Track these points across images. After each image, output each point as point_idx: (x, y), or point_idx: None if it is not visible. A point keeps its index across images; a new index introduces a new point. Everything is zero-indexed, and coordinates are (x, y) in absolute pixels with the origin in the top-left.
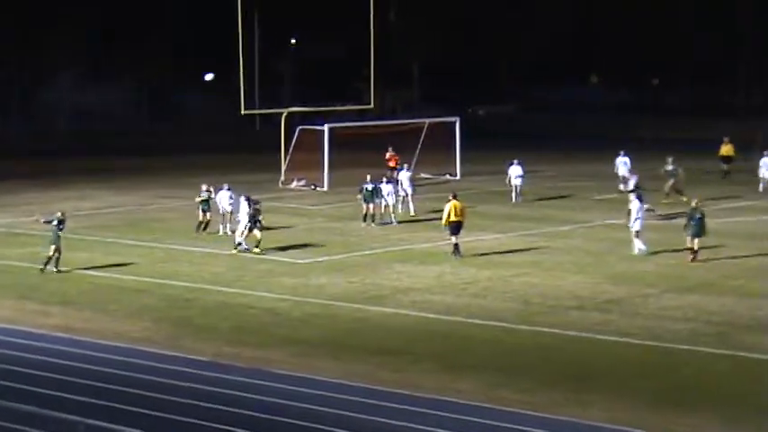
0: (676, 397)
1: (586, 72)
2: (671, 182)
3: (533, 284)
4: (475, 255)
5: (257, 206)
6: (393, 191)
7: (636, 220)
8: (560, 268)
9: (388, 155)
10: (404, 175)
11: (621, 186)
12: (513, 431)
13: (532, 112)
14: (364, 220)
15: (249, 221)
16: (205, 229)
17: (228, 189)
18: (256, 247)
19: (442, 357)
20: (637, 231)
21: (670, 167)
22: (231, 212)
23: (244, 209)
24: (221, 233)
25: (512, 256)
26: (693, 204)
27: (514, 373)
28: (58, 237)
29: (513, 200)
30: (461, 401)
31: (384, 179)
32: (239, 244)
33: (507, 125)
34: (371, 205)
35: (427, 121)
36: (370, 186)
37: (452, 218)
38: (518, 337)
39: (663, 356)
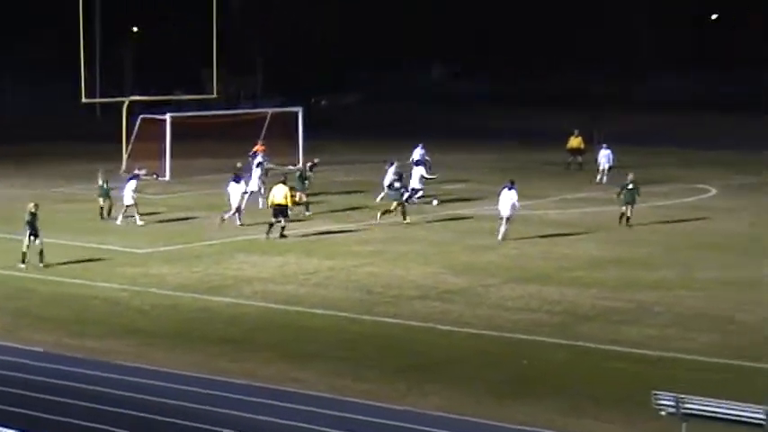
0: (516, 386)
1: (432, 61)
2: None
3: (376, 274)
4: (318, 245)
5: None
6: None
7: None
8: (404, 258)
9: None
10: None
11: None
12: (354, 421)
13: (376, 103)
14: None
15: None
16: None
17: None
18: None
19: (284, 347)
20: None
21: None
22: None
23: None
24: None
25: (356, 246)
26: (629, 177)
27: (356, 363)
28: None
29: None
30: (303, 391)
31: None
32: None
33: (350, 116)
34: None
35: (270, 110)
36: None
37: (275, 201)
38: (360, 327)
39: (504, 346)
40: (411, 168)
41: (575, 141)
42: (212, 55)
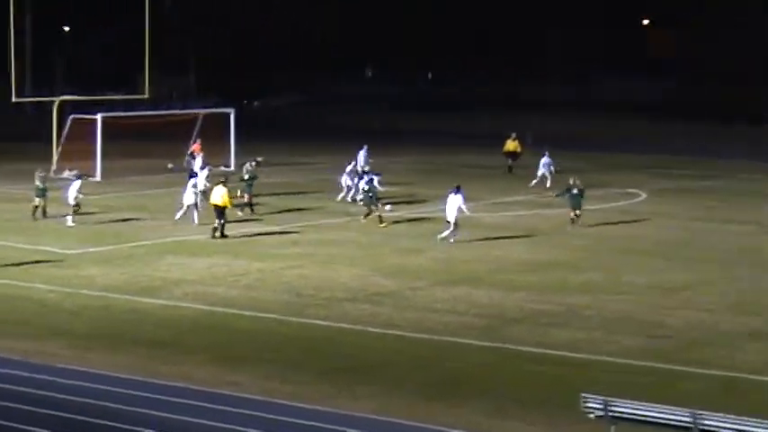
0: (445, 389)
1: (362, 65)
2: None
3: (306, 276)
4: (248, 246)
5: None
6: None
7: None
8: (333, 261)
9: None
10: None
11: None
12: (286, 424)
13: (308, 106)
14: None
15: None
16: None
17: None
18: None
19: (215, 349)
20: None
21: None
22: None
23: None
24: None
25: (285, 249)
26: (571, 182)
27: (286, 366)
28: None
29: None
30: (236, 394)
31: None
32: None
33: (282, 119)
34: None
35: (202, 111)
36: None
37: (212, 202)
38: (290, 330)
39: (433, 349)
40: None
41: (511, 145)
42: (144, 55)
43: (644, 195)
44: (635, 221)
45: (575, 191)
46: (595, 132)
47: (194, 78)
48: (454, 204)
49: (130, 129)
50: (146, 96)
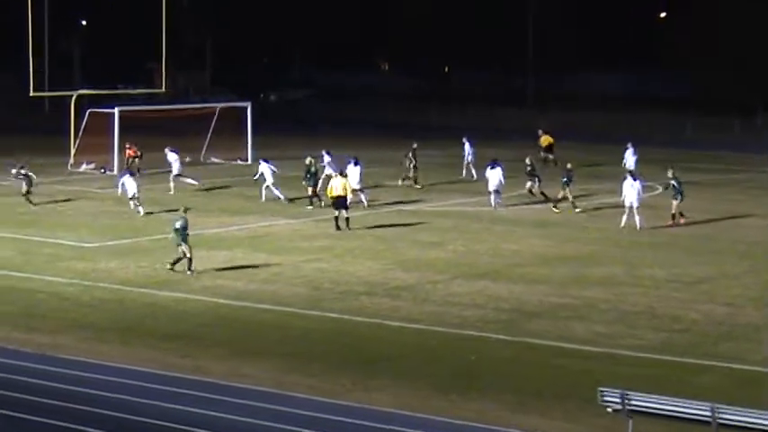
0: (463, 383)
1: (376, 58)
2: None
3: (324, 270)
4: (266, 239)
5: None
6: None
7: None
8: (351, 254)
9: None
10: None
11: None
12: (301, 417)
13: (325, 99)
14: None
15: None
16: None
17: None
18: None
19: (232, 343)
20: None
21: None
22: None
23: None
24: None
25: (303, 242)
26: (670, 174)
27: (303, 359)
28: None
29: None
30: (250, 387)
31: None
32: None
33: (298, 111)
34: None
35: (219, 105)
36: None
37: (334, 193)
38: (308, 323)
39: (451, 342)
40: None
41: (545, 140)
42: (161, 49)
43: (660, 189)
44: (652, 215)
45: (672, 182)
46: (597, 125)
47: (210, 72)
48: (632, 190)
49: (147, 123)
50: (162, 90)
